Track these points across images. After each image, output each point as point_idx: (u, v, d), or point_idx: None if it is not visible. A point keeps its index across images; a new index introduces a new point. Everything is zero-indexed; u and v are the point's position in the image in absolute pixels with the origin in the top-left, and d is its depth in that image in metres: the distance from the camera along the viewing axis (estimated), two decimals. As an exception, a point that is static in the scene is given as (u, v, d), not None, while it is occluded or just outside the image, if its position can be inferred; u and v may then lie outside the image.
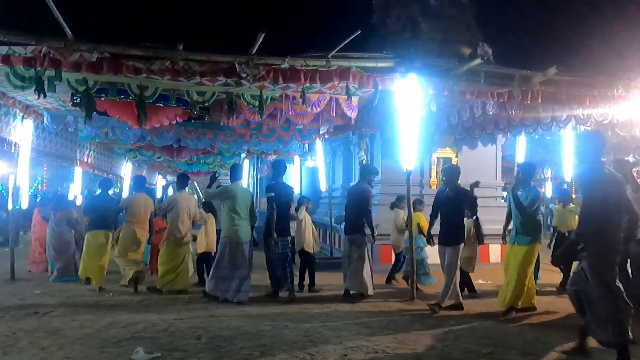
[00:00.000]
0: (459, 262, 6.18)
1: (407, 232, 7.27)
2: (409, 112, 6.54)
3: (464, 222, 6.43)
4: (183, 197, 7.38)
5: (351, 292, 6.74)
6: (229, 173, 7.40)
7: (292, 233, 7.53)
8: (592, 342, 4.28)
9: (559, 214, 8.31)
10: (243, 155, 14.86)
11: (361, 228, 6.73)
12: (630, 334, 3.96)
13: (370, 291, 6.69)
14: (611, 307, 3.95)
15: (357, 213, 6.79)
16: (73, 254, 8.38)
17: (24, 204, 8.94)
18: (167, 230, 7.29)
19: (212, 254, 7.44)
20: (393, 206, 8.08)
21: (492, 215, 8.50)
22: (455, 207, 6.18)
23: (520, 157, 10.68)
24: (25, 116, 8.36)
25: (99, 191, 8.27)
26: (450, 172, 6.42)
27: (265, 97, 7.03)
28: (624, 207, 4.18)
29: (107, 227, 7.73)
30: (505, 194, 10.88)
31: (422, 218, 7.57)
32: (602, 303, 3.99)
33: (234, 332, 4.93)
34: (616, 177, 4.22)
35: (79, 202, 11.77)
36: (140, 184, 8.36)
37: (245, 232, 6.57)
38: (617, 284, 4.02)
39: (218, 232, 7.23)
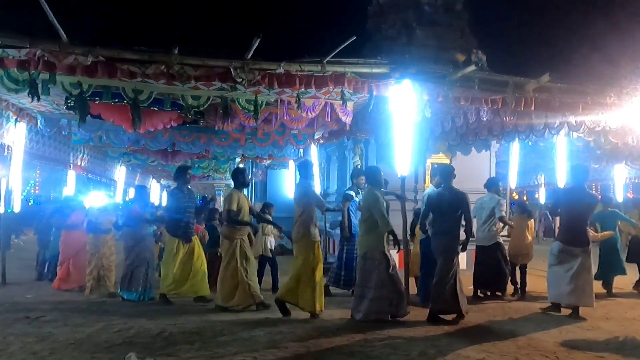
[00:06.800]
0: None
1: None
2: (404, 117, 6.55)
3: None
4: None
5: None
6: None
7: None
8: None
9: None
10: (238, 159, 14.86)
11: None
12: None
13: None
14: None
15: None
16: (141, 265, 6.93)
17: (16, 208, 8.86)
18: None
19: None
20: None
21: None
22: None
23: (513, 163, 10.73)
24: (18, 119, 8.31)
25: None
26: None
27: (260, 101, 7.03)
28: None
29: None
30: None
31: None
32: None
33: (227, 338, 4.91)
34: None
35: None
36: (240, 177, 6.83)
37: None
38: None
39: None
